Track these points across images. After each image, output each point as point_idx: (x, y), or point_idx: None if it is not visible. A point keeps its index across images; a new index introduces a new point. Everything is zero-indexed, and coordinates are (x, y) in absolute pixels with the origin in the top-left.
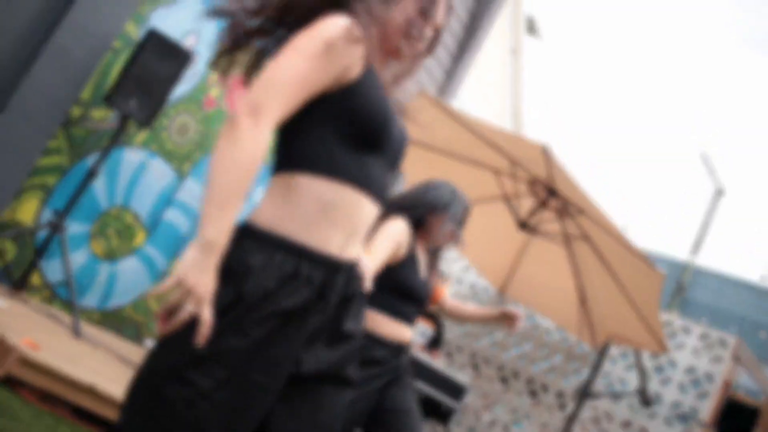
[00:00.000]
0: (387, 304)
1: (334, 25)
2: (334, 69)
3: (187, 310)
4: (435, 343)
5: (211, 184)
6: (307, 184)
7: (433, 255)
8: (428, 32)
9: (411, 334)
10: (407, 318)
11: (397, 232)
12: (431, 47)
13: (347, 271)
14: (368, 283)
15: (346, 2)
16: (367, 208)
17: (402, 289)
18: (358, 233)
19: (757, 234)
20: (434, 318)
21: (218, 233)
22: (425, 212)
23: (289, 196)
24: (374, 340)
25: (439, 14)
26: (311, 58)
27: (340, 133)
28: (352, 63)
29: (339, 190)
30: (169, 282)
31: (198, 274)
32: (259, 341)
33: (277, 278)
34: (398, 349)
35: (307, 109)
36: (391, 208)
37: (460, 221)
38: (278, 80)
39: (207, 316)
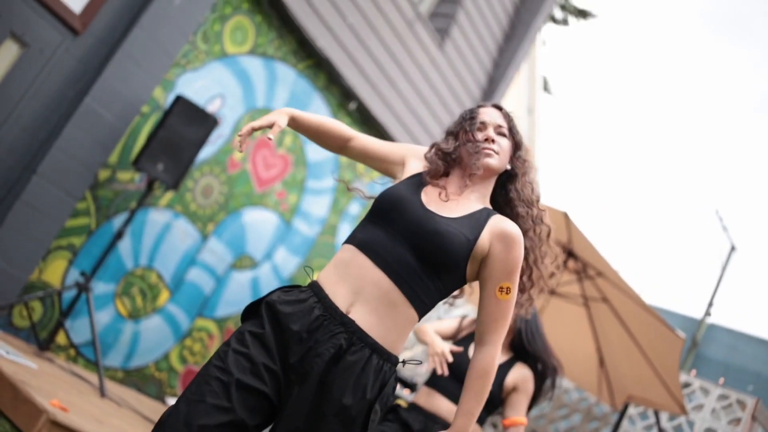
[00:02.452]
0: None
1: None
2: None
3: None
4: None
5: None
6: (340, 249)
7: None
8: (482, 142)
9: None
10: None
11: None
12: (487, 151)
13: (348, 326)
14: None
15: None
16: (370, 270)
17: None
18: (363, 293)
19: None
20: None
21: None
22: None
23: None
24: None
25: (485, 127)
26: None
27: (369, 212)
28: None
29: (347, 251)
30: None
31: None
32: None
33: (292, 303)
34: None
35: None
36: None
37: None
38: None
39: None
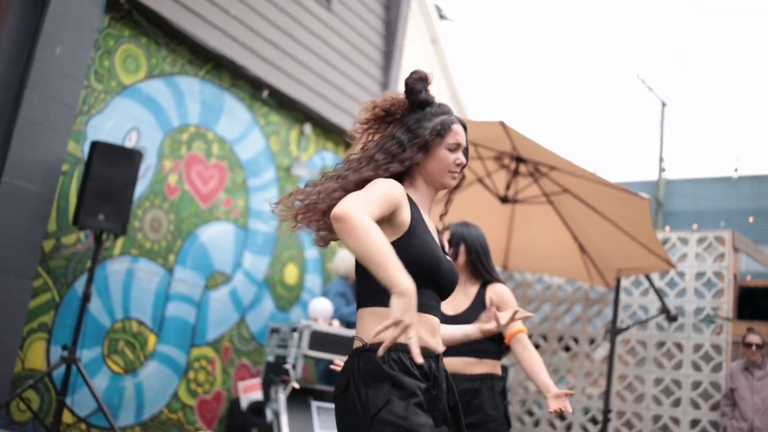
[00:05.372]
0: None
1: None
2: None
3: (408, 336)
4: None
5: (371, 258)
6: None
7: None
8: (455, 168)
9: None
10: None
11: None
12: (460, 177)
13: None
14: None
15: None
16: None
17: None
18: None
19: (713, 134)
20: None
21: (405, 281)
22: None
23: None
24: None
25: (458, 149)
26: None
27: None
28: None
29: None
30: (389, 323)
31: (407, 314)
32: None
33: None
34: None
35: None
36: None
37: None
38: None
39: (416, 338)
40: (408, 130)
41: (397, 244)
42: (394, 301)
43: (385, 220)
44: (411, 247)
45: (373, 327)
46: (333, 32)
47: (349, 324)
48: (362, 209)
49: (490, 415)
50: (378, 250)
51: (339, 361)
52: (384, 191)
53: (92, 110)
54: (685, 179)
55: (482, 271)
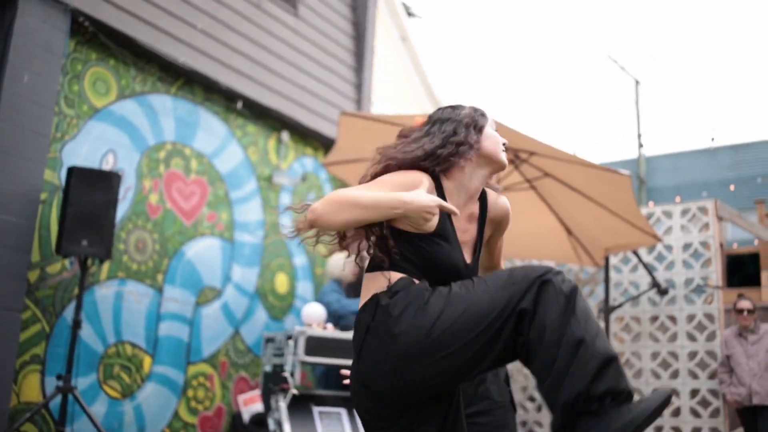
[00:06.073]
0: None
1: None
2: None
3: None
4: None
5: (366, 214)
6: None
7: None
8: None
9: None
10: None
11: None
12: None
13: None
14: None
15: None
16: None
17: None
18: None
19: (689, 108)
20: None
21: (398, 195)
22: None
23: None
24: None
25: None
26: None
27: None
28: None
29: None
30: (411, 207)
31: (416, 197)
32: None
33: None
34: None
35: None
36: None
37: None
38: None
39: (438, 201)
40: (445, 121)
41: (414, 243)
42: (405, 207)
43: None
44: (427, 252)
45: (382, 281)
46: (302, 38)
47: (344, 327)
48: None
49: (497, 402)
50: (362, 202)
51: (345, 371)
52: (395, 179)
53: (66, 136)
54: (664, 155)
55: None
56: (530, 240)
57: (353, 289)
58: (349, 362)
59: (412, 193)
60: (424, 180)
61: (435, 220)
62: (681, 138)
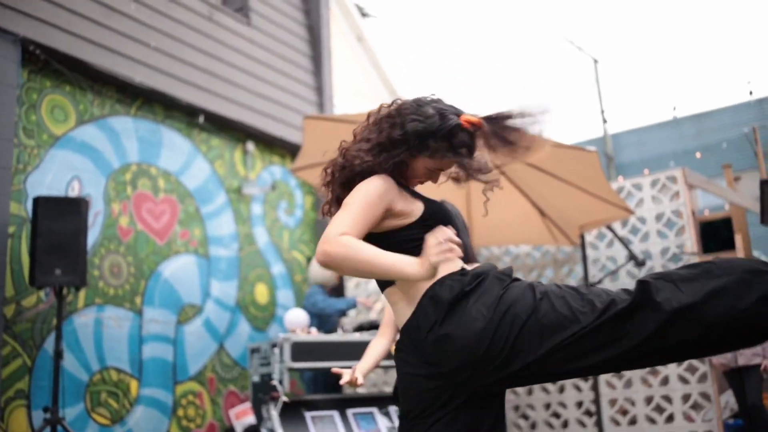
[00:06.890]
0: None
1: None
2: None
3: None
4: None
5: (374, 273)
6: None
7: None
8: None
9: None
10: None
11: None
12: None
13: None
14: None
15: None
16: None
17: None
18: None
19: (649, 82)
20: None
21: (409, 260)
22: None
23: None
24: None
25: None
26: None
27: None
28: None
29: None
30: (422, 270)
31: (421, 266)
32: None
33: None
34: None
35: None
36: None
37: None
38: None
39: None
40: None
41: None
42: (416, 274)
43: (385, 216)
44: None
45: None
46: (258, 46)
47: (328, 330)
48: (342, 235)
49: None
50: (374, 263)
51: (338, 370)
52: (366, 198)
53: (28, 167)
54: (629, 130)
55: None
56: (505, 225)
57: (336, 293)
58: (337, 363)
59: (424, 260)
60: (389, 183)
61: (448, 232)
62: (644, 112)
